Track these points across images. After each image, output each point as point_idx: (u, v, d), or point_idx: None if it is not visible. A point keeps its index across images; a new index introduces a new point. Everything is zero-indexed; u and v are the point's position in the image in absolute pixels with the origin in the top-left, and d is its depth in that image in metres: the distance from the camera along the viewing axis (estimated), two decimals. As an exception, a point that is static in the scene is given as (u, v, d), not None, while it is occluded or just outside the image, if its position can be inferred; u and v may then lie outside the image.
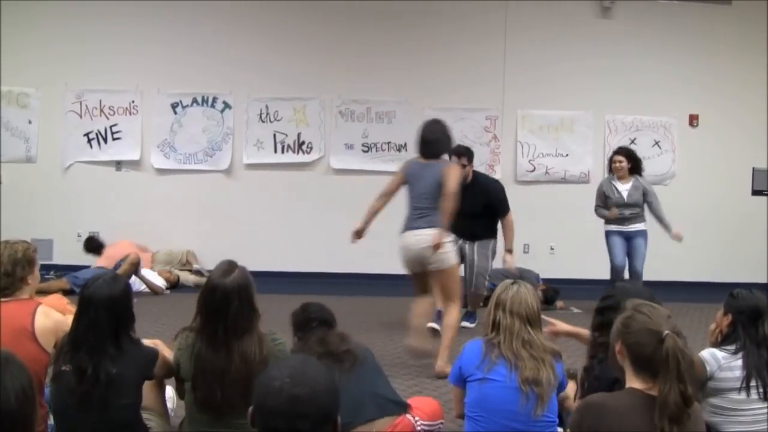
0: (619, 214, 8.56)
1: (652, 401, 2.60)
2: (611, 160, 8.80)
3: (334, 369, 3.51)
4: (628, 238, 8.63)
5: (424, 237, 5.90)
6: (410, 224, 6.06)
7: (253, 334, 3.48)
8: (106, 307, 3.44)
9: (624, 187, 8.61)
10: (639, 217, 8.64)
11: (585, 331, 4.06)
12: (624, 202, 8.58)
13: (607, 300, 3.85)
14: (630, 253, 8.63)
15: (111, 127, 10.44)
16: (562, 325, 4.39)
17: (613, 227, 8.69)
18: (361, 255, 10.40)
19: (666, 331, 2.63)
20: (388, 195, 6.39)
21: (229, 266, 3.59)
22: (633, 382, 2.71)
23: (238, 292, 3.46)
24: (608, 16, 10.84)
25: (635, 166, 8.69)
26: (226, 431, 3.47)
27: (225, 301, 3.44)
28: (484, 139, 10.65)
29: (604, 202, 8.72)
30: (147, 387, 3.63)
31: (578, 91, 10.71)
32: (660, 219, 8.60)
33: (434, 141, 6.24)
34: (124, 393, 3.42)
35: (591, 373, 3.64)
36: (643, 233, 8.64)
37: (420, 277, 6.16)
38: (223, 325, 3.44)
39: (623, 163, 8.63)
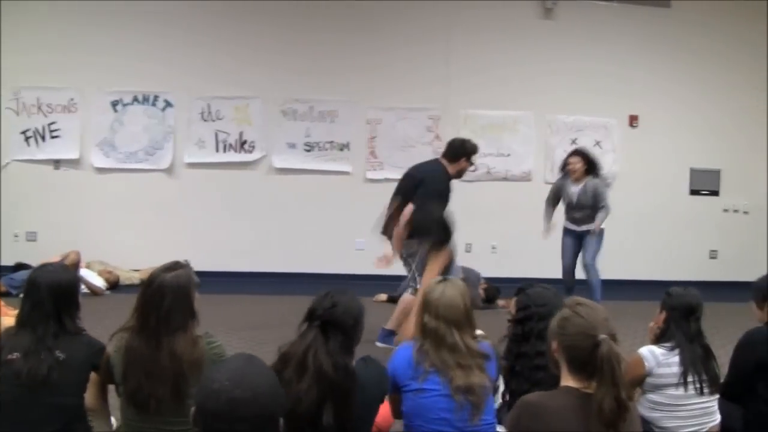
0: (549, 227, 8.58)
1: (589, 399, 2.61)
2: (566, 162, 8.54)
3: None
4: (580, 236, 8.43)
5: None
6: None
7: (187, 334, 3.45)
8: (50, 288, 3.47)
9: (575, 189, 8.35)
10: (591, 219, 8.32)
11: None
12: (573, 205, 8.39)
13: (525, 311, 3.83)
14: (582, 248, 8.42)
15: (49, 125, 10.21)
16: None
17: (567, 224, 8.54)
18: (301, 254, 10.43)
19: (602, 336, 2.63)
20: None
21: (175, 264, 3.58)
22: (568, 380, 2.72)
23: (175, 289, 3.43)
24: (550, 17, 10.93)
25: (591, 167, 8.39)
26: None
27: (160, 294, 3.41)
28: (426, 138, 10.63)
29: (555, 195, 8.59)
30: (89, 386, 3.58)
31: (520, 91, 10.77)
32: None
33: None
34: (70, 377, 3.41)
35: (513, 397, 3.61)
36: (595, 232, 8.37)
37: None
38: (155, 319, 3.40)
39: (577, 164, 8.34)
